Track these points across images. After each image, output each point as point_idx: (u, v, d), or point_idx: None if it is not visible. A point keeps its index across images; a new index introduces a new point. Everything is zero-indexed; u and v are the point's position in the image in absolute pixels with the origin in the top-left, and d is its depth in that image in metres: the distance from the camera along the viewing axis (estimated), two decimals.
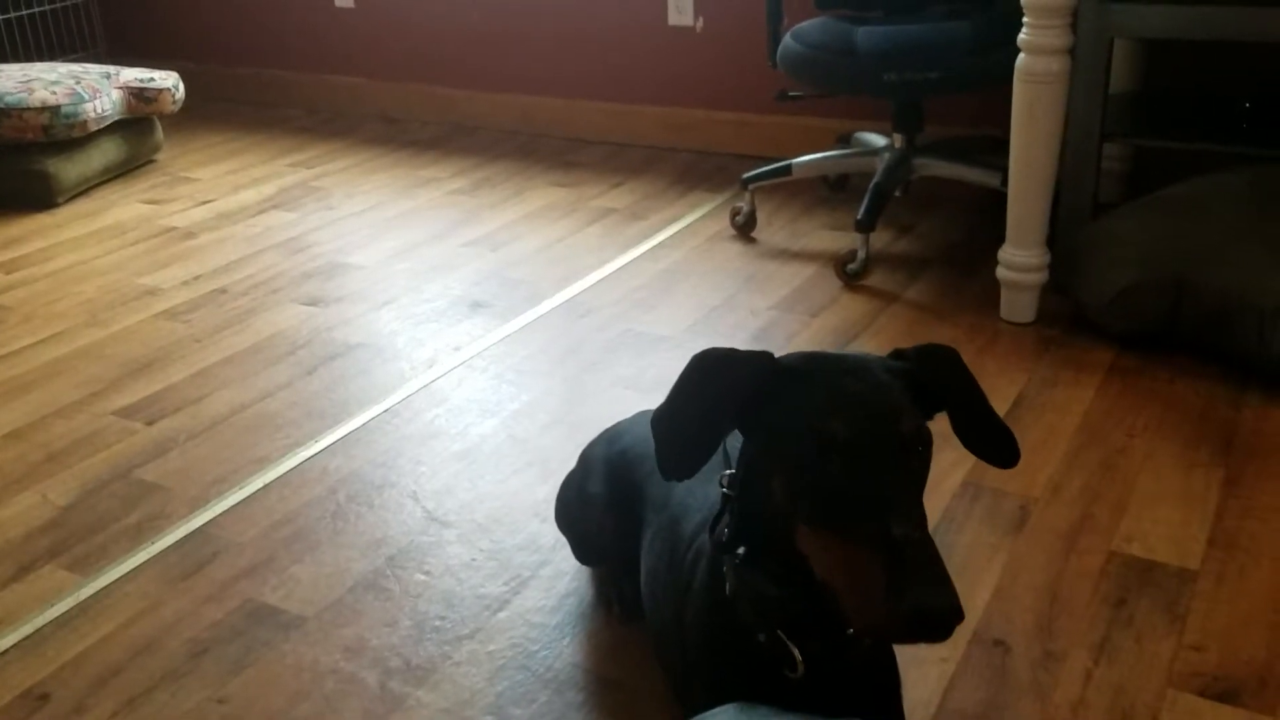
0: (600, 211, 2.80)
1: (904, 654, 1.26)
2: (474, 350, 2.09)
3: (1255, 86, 2.33)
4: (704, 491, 1.08)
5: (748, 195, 2.60)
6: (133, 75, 3.23)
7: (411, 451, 1.75)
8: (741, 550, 0.92)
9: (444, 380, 1.98)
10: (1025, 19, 1.88)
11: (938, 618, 0.73)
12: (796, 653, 0.89)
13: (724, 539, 0.94)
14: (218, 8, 4.04)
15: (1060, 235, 2.06)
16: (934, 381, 0.89)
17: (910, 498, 0.79)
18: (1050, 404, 1.79)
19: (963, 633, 1.30)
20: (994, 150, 2.21)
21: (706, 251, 2.51)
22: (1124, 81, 2.48)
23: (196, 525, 1.59)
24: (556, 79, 3.45)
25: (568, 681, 1.26)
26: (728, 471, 0.95)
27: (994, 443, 0.92)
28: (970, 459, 1.64)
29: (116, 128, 3.19)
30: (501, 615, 1.38)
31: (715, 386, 0.87)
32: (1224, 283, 1.81)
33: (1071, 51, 1.90)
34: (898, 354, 0.90)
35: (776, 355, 0.90)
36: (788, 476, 0.84)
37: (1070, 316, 2.05)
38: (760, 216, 2.65)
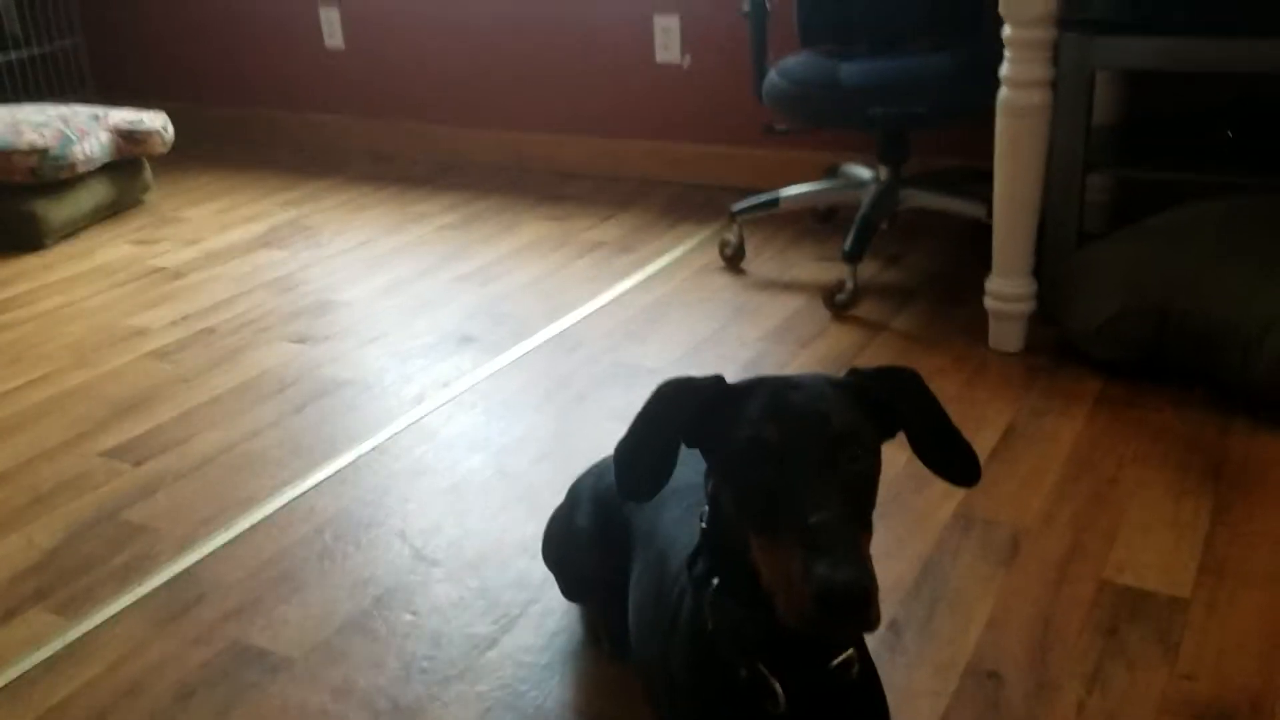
0: (590, 245, 2.81)
1: (896, 689, 1.26)
2: (463, 385, 2.09)
3: (1237, 116, 2.36)
4: (691, 525, 1.08)
5: (736, 227, 2.61)
6: (121, 116, 3.24)
7: (399, 489, 1.74)
8: (715, 581, 0.93)
9: (432, 416, 1.97)
10: (1006, 52, 1.90)
11: (842, 592, 0.75)
12: (778, 686, 0.89)
13: (701, 573, 0.95)
14: (207, 48, 4.06)
15: (1046, 265, 2.07)
16: (889, 399, 0.91)
17: (836, 494, 0.81)
18: (1040, 434, 1.79)
19: (956, 665, 1.29)
20: (979, 181, 2.22)
21: (695, 283, 2.52)
22: (1107, 113, 2.50)
23: (184, 567, 1.58)
24: (546, 115, 3.47)
25: None
26: (705, 508, 0.95)
27: (954, 461, 0.93)
28: (961, 490, 1.63)
29: (105, 169, 3.20)
30: (490, 655, 1.36)
31: (670, 411, 0.92)
32: (1207, 309, 1.82)
33: (1053, 84, 1.92)
34: (853, 372, 0.93)
35: None
36: (732, 486, 0.87)
37: (1058, 345, 2.06)
38: (749, 248, 2.66)
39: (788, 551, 0.79)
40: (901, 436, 0.93)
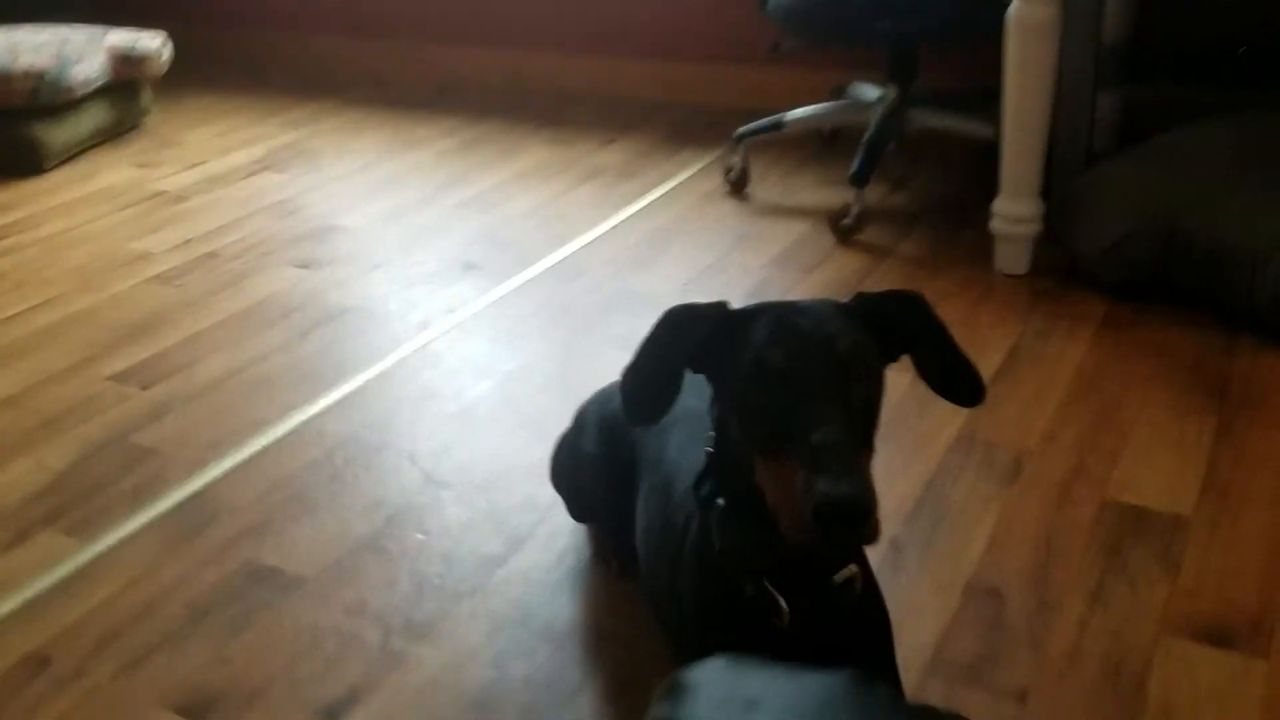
0: (592, 170, 2.78)
1: (899, 604, 1.27)
2: (467, 312, 2.09)
3: (1248, 33, 2.31)
4: (696, 450, 1.08)
5: (740, 151, 2.58)
6: (119, 38, 3.19)
7: (407, 413, 1.75)
8: (720, 501, 0.94)
9: (438, 342, 1.98)
10: None
11: (842, 506, 0.76)
12: (782, 602, 0.91)
13: (707, 495, 0.96)
14: None
15: (1054, 186, 2.06)
16: (894, 322, 0.91)
17: (841, 413, 0.81)
18: (1044, 356, 1.79)
19: (957, 583, 1.31)
20: (988, 102, 2.19)
21: (699, 209, 2.50)
22: (1117, 31, 2.45)
23: (194, 489, 1.60)
24: (546, 33, 3.41)
25: (567, 636, 1.28)
26: (712, 433, 0.96)
27: (959, 383, 0.94)
28: (964, 411, 1.64)
29: (104, 91, 3.16)
30: (500, 573, 1.38)
31: (675, 337, 0.92)
32: (1214, 230, 1.81)
33: (1063, 0, 1.88)
34: (858, 296, 0.93)
35: None
36: (739, 410, 0.88)
37: (1064, 267, 2.05)
38: (753, 173, 2.64)
39: (791, 470, 0.80)
40: (905, 359, 0.93)
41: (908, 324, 0.92)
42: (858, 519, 0.77)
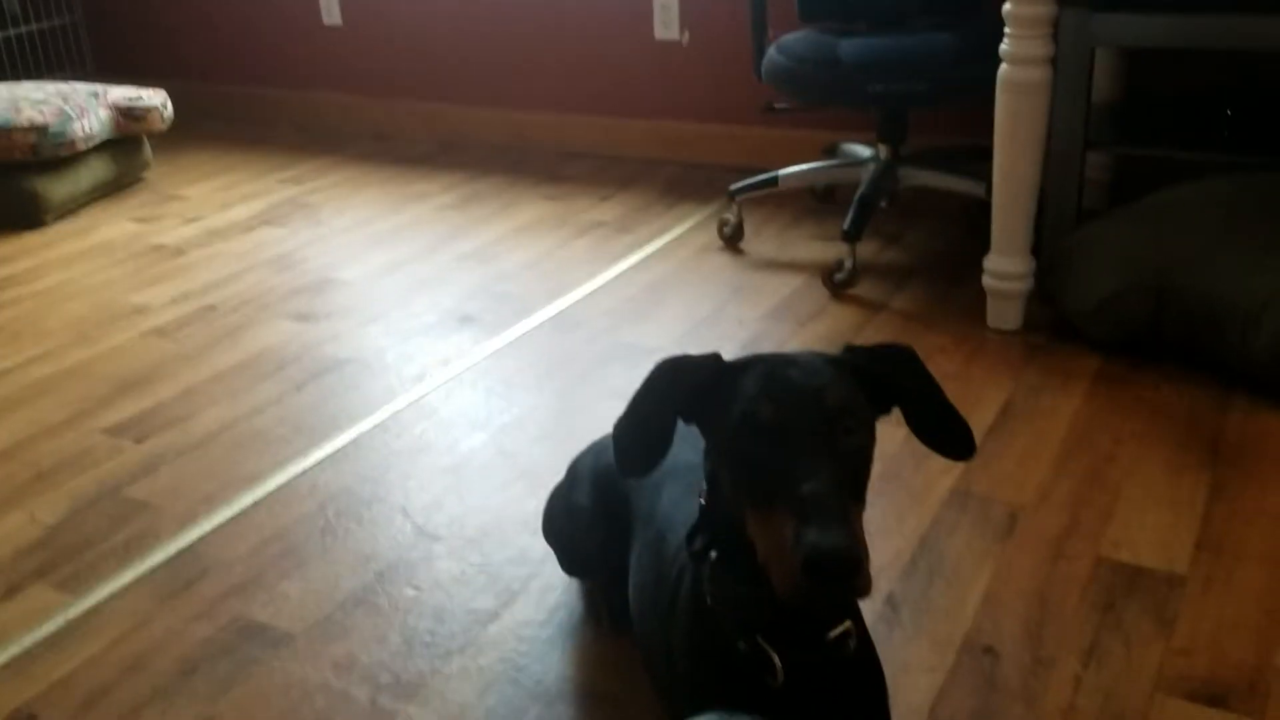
0: (589, 224, 2.81)
1: (894, 661, 1.27)
2: (463, 364, 2.09)
3: (1236, 94, 2.35)
4: (689, 505, 1.08)
5: (735, 207, 2.61)
6: (121, 94, 3.23)
7: (401, 466, 1.75)
8: (714, 555, 0.94)
9: (433, 395, 1.98)
10: (1007, 29, 1.89)
11: (830, 557, 0.76)
12: (776, 659, 0.90)
13: (699, 548, 0.96)
14: (206, 26, 4.05)
15: (1045, 243, 2.08)
16: (884, 375, 0.92)
17: (829, 467, 0.82)
18: (1038, 411, 1.79)
19: (953, 640, 1.30)
20: (979, 160, 2.22)
21: (695, 263, 2.52)
22: (1107, 91, 2.50)
23: (186, 543, 1.59)
24: (545, 93, 3.46)
25: (558, 695, 1.26)
26: (704, 485, 0.96)
27: (949, 436, 0.95)
28: (959, 466, 1.64)
29: (105, 146, 3.19)
30: (491, 629, 1.37)
31: (668, 388, 0.93)
32: (1206, 287, 1.83)
33: (1053, 61, 1.92)
34: (849, 349, 0.94)
35: None
36: (730, 462, 0.89)
37: (1056, 324, 2.06)
38: (748, 227, 2.66)
39: (781, 522, 0.80)
40: (897, 413, 0.94)
41: (898, 377, 0.93)
42: (847, 570, 0.77)
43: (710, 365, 0.92)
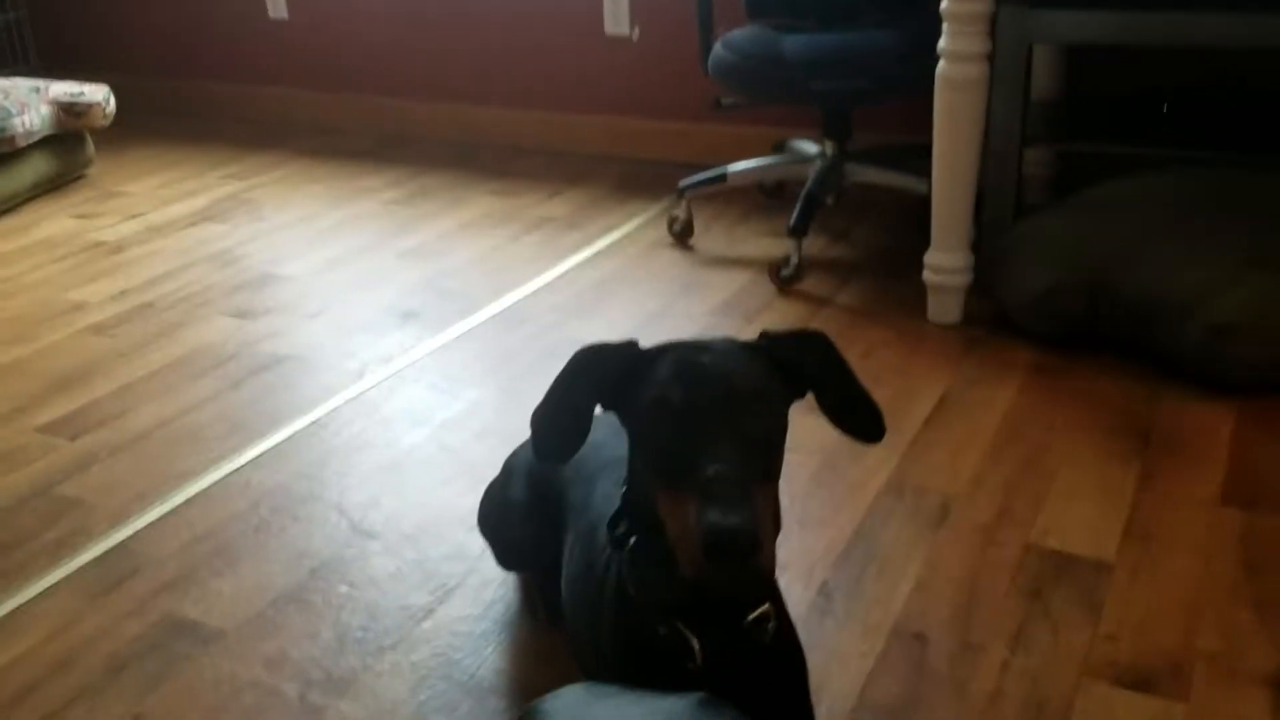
0: (537, 220, 2.80)
1: (826, 648, 1.28)
2: (405, 361, 2.08)
3: (1173, 90, 2.39)
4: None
5: (684, 203, 2.62)
6: (62, 89, 3.17)
7: (338, 463, 1.73)
8: (633, 540, 0.95)
9: (373, 391, 1.96)
10: (945, 25, 1.91)
11: (729, 536, 0.77)
12: (695, 643, 0.90)
13: (621, 534, 0.97)
14: (151, 20, 3.99)
15: (984, 238, 2.10)
16: (797, 361, 0.93)
17: (736, 450, 0.83)
18: (974, 403, 1.81)
19: (883, 626, 1.32)
20: (923, 157, 2.24)
21: (644, 259, 2.52)
22: (1048, 87, 2.53)
23: (117, 540, 1.57)
24: (494, 88, 3.45)
25: (491, 689, 1.26)
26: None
27: (859, 418, 0.96)
28: (894, 457, 1.66)
29: (46, 142, 3.14)
30: (426, 625, 1.37)
31: (585, 375, 0.94)
32: (1140, 282, 1.85)
33: (991, 58, 1.94)
34: (763, 335, 0.95)
35: None
36: (642, 446, 0.90)
37: (994, 317, 2.08)
38: (697, 224, 2.67)
39: (686, 503, 0.82)
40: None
41: (811, 362, 0.94)
42: (745, 550, 0.78)
43: (627, 352, 0.93)
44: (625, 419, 0.94)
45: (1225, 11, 1.85)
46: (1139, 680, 1.23)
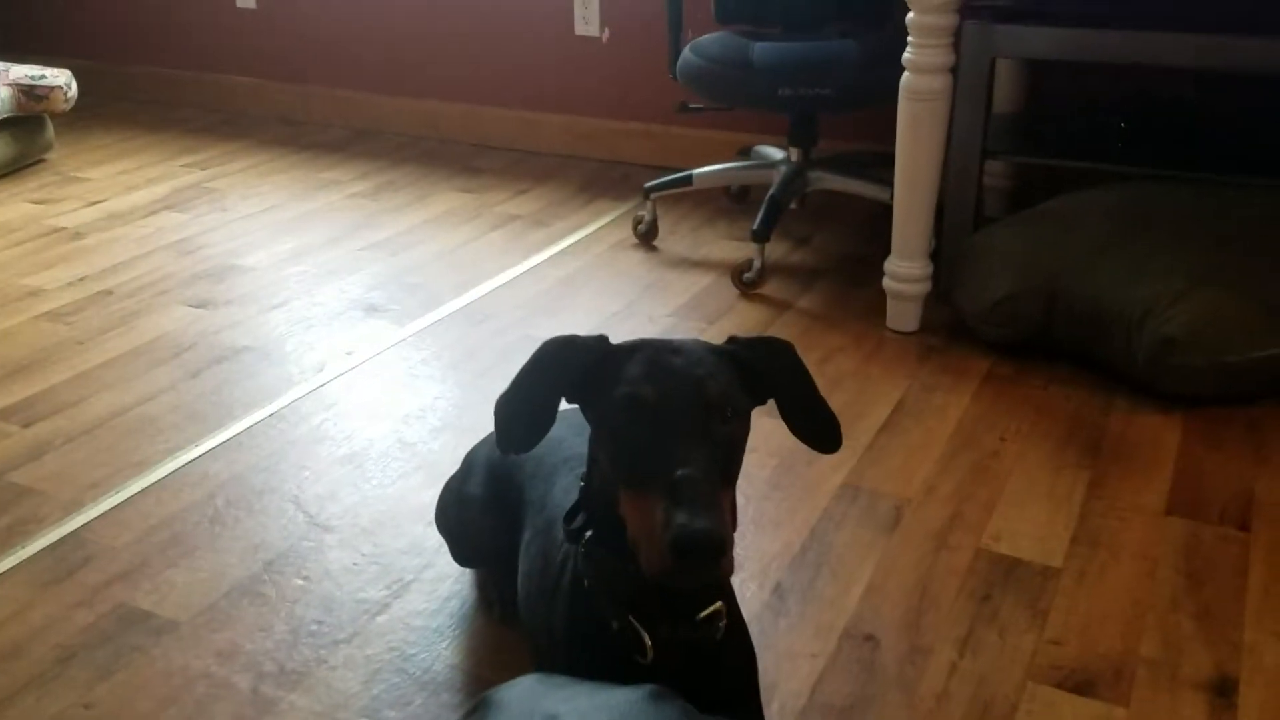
0: (503, 218, 2.80)
1: (778, 648, 1.29)
2: (366, 354, 2.07)
3: (1131, 107, 2.44)
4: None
5: (650, 204, 2.63)
6: (23, 72, 3.13)
7: (295, 456, 1.73)
8: (589, 533, 0.96)
9: (333, 385, 1.96)
10: (909, 37, 1.94)
11: (698, 540, 0.79)
12: (646, 638, 0.92)
13: (578, 527, 0.98)
14: (116, 5, 3.94)
15: (943, 248, 2.13)
16: (763, 368, 0.95)
17: (703, 453, 0.84)
18: (929, 409, 1.84)
19: (835, 628, 1.33)
20: (886, 165, 2.27)
21: (608, 259, 2.53)
22: (1011, 100, 2.57)
23: (70, 529, 1.55)
24: (463, 85, 3.44)
25: (445, 683, 1.26)
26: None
27: (818, 428, 0.98)
28: (850, 461, 1.68)
29: (5, 125, 3.09)
30: (381, 619, 1.37)
31: (554, 367, 0.94)
32: (1094, 293, 1.89)
33: (954, 70, 1.97)
34: (731, 340, 0.97)
35: None
36: (609, 442, 0.90)
37: (952, 325, 2.11)
38: (662, 225, 2.68)
39: (652, 503, 0.83)
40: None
41: (776, 370, 0.96)
42: (712, 552, 0.79)
43: (598, 346, 0.94)
44: (591, 413, 0.94)
45: (1180, 32, 1.89)
46: (1082, 684, 1.25)
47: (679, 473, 0.82)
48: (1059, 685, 1.25)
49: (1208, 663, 1.28)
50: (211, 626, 1.36)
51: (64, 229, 2.74)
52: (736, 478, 0.90)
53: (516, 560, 1.23)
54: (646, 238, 2.64)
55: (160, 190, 3.03)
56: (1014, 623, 1.35)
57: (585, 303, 2.29)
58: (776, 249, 2.54)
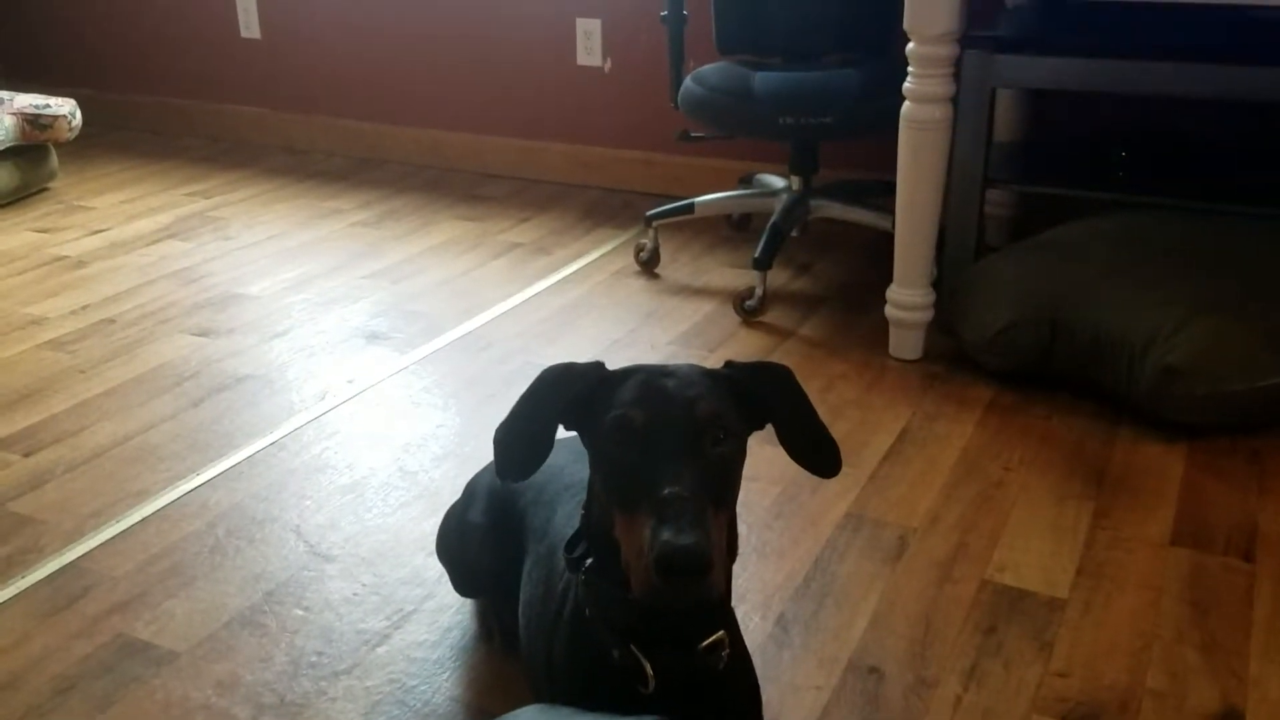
0: (506, 246, 2.81)
1: (782, 680, 1.28)
2: (368, 382, 2.07)
3: (1131, 136, 2.45)
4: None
5: (652, 232, 2.63)
6: (28, 101, 3.15)
7: (296, 485, 1.72)
8: (590, 561, 0.96)
9: (335, 413, 1.96)
10: (910, 67, 1.95)
11: (681, 556, 0.79)
12: (648, 667, 0.91)
13: (578, 555, 0.98)
14: (121, 35, 3.97)
15: (945, 276, 2.13)
16: (760, 392, 0.95)
17: (693, 474, 0.84)
18: (932, 438, 1.84)
19: (839, 660, 1.32)
20: (887, 194, 2.28)
21: (610, 287, 2.53)
22: (1012, 129, 2.58)
23: (70, 559, 1.55)
24: (466, 114, 3.46)
25: (445, 716, 1.25)
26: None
27: (817, 453, 0.98)
28: (853, 490, 1.67)
29: (9, 154, 3.11)
30: (381, 650, 1.36)
31: (551, 394, 0.95)
32: (1095, 321, 1.89)
33: (955, 100, 1.98)
34: (728, 364, 0.97)
35: None
36: (602, 467, 0.91)
37: (954, 354, 2.11)
38: (664, 253, 2.69)
39: (641, 523, 0.83)
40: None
41: (773, 394, 0.96)
42: (697, 569, 0.79)
43: (593, 373, 0.95)
44: (587, 439, 0.95)
45: (1180, 62, 1.90)
46: (1087, 716, 1.24)
47: (665, 491, 0.82)
48: (1064, 718, 1.24)
49: (1214, 695, 1.27)
50: (211, 657, 1.35)
51: (67, 257, 2.75)
52: (733, 501, 0.90)
53: (518, 589, 1.22)
54: (648, 265, 2.65)
55: (163, 219, 3.04)
56: (1019, 655, 1.34)
57: (587, 330, 2.29)
58: (778, 277, 2.55)
